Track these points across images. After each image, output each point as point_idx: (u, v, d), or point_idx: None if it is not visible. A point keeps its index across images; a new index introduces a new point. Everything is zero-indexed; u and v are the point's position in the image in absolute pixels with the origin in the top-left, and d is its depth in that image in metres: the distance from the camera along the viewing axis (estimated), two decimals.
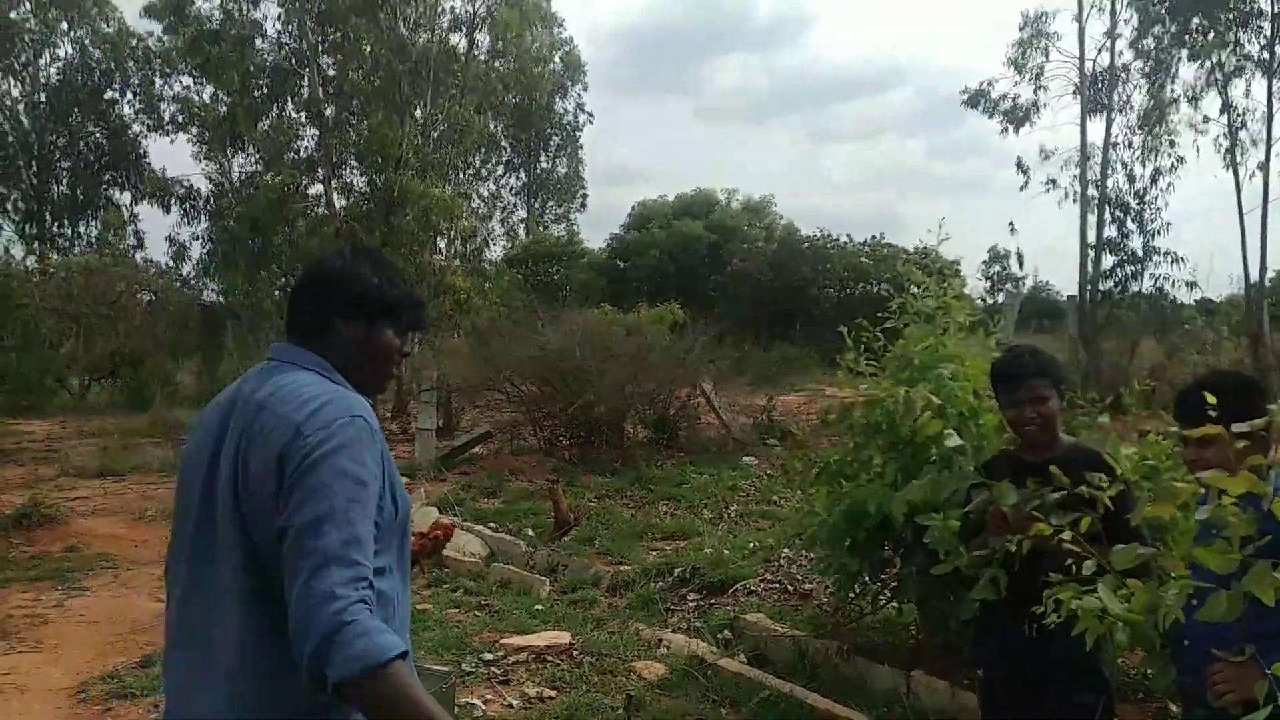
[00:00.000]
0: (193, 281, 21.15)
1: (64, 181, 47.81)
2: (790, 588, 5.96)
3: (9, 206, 47.64)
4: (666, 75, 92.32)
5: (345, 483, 1.59)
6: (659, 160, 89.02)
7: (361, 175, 17.40)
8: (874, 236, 32.88)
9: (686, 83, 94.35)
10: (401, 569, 1.78)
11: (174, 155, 65.36)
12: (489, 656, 5.10)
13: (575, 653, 5.20)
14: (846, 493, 4.49)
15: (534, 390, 11.66)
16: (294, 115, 17.09)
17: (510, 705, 4.56)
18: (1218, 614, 1.73)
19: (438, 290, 16.89)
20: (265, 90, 16.55)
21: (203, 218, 17.83)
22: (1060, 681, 2.69)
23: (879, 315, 5.39)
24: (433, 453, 10.85)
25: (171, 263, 19.87)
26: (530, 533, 8.11)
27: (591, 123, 48.98)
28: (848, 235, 32.58)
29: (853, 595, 5.00)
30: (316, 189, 17.47)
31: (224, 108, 16.85)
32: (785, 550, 6.72)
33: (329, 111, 17.06)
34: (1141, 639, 2.36)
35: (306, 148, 17.17)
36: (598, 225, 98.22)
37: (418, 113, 17.55)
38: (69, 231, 47.74)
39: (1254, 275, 18.50)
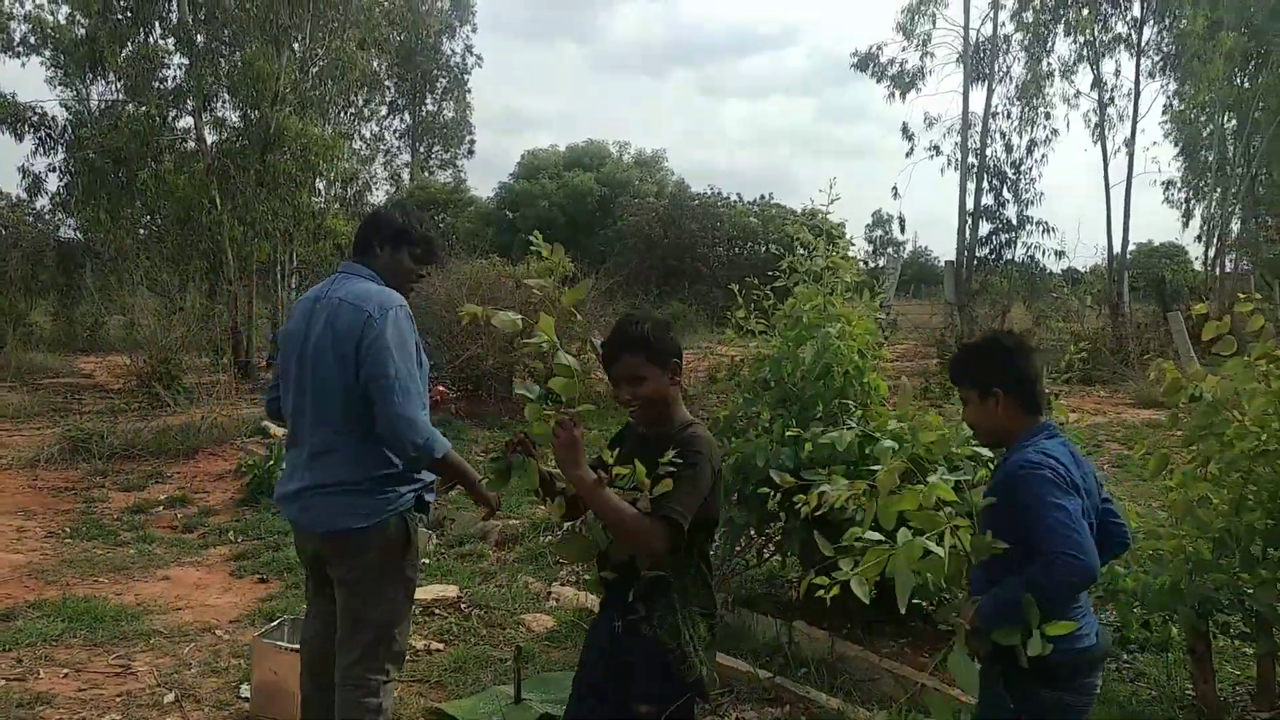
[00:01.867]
0: (48, 216, 19.75)
1: None
2: None
3: None
4: (562, 20, 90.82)
5: (397, 347, 2.79)
6: (551, 108, 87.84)
7: (235, 110, 16.48)
8: (763, 196, 33.36)
9: (583, 29, 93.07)
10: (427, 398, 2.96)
11: (25, 80, 60.75)
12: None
13: (463, 606, 5.17)
14: (735, 448, 4.57)
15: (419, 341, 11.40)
16: (161, 42, 15.97)
17: None
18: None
19: (317, 234, 16.28)
20: (129, 13, 15.40)
21: (59, 149, 16.52)
22: (629, 685, 2.39)
23: (768, 274, 5.49)
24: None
25: (24, 195, 18.43)
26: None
27: (480, 66, 47.86)
28: (738, 194, 32.93)
29: (738, 548, 5.11)
30: (186, 122, 16.45)
31: (82, 30, 15.63)
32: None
33: (200, 39, 16.04)
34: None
35: (175, 77, 16.10)
36: (487, 173, 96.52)
37: (296, 46, 16.72)
38: None
39: (1116, 247, 19.55)
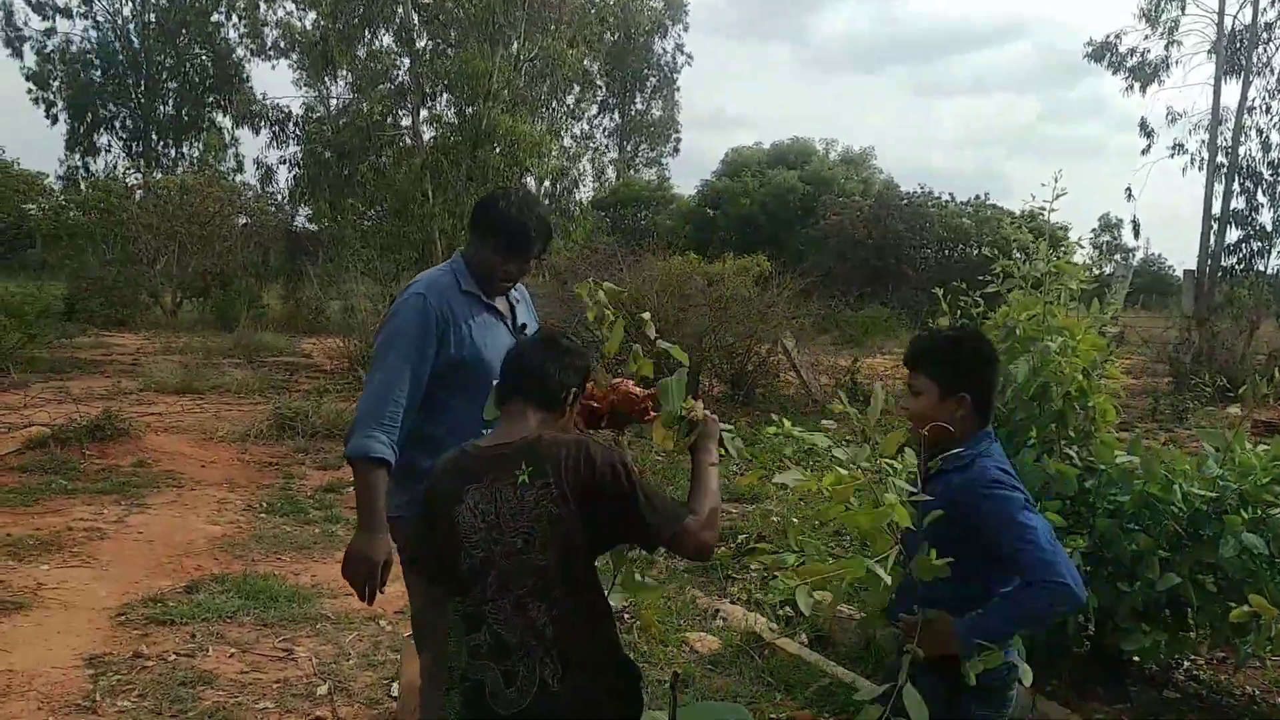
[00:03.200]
0: (286, 207, 21.36)
1: (169, 102, 49.29)
2: None
3: (117, 125, 49.37)
4: (773, 20, 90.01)
5: (386, 335, 2.71)
6: (758, 107, 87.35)
7: (451, 107, 17.17)
8: (977, 196, 31.58)
9: (794, 29, 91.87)
10: (468, 397, 2.62)
11: (275, 80, 66.03)
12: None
13: (626, 616, 4.92)
14: None
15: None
16: (387, 44, 16.85)
17: None
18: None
19: None
20: (359, 15, 16.32)
21: (290, 142, 17.78)
22: None
23: (979, 279, 4.91)
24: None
25: (258, 185, 20.06)
26: None
27: (690, 65, 48.24)
28: (949, 194, 31.32)
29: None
30: (405, 119, 17.30)
31: (319, 33, 16.72)
32: None
33: (422, 43, 16.81)
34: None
35: (399, 77, 16.95)
36: (691, 171, 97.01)
37: (514, 46, 17.18)
38: (173, 152, 49.35)
39: None
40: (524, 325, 2.96)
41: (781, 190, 34.52)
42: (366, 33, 16.52)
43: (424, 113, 17.10)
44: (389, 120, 17.17)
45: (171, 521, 6.40)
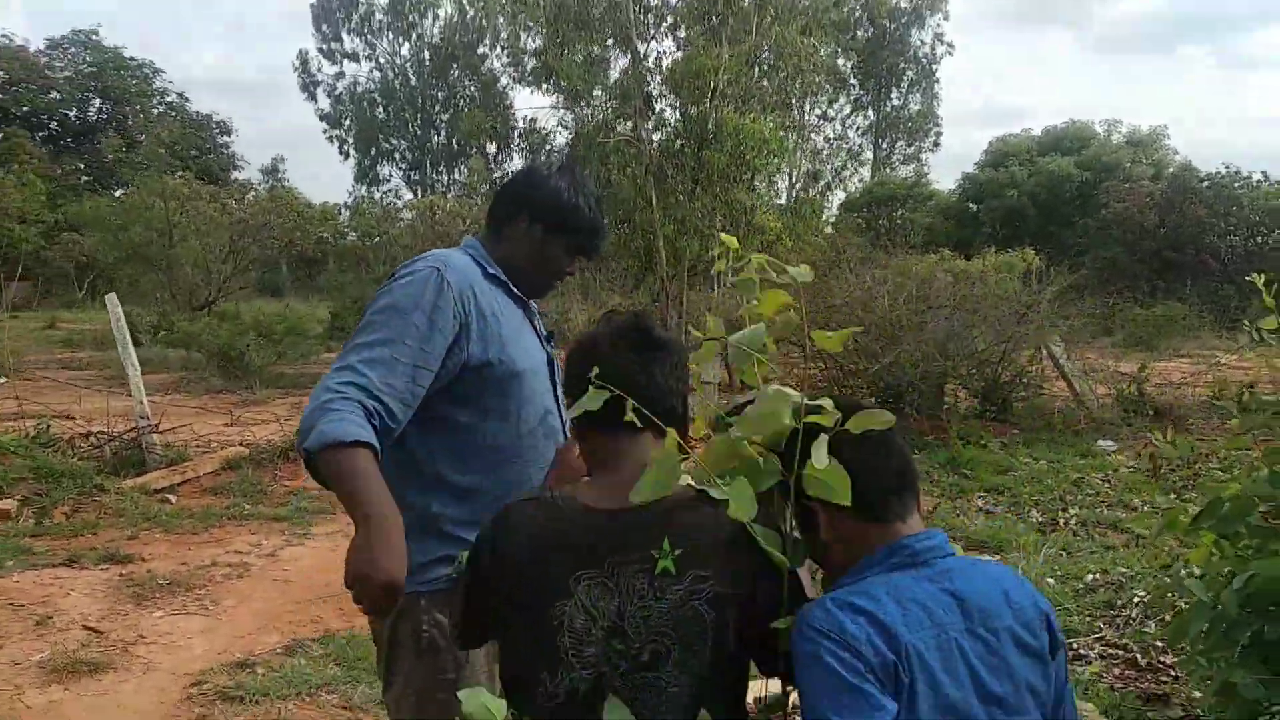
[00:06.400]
0: None
1: (442, 132, 52.83)
2: (1141, 660, 3.97)
3: (397, 156, 53.58)
4: (1053, 5, 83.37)
5: (383, 312, 1.84)
6: (1034, 96, 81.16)
7: (675, 109, 16.42)
8: None
9: (1077, 13, 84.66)
10: (500, 419, 1.94)
11: (539, 102, 69.12)
12: None
13: None
14: (1256, 557, 2.56)
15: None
16: (600, 50, 16.34)
17: None
18: None
19: (748, 231, 15.57)
20: (570, 18, 15.90)
21: (513, 155, 17.75)
22: None
23: None
24: (711, 410, 9.58)
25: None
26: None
27: (951, 55, 45.45)
28: (1262, 172, 26.82)
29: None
30: (632, 124, 16.73)
31: (541, 42, 16.56)
32: (1141, 593, 4.68)
33: (640, 45, 16.17)
34: None
35: (617, 79, 16.43)
36: (954, 166, 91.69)
37: (744, 41, 16.18)
38: (445, 179, 52.85)
39: None
40: (551, 335, 2.16)
41: (1054, 179, 31.16)
42: (584, 36, 16.10)
43: (649, 115, 16.40)
44: (615, 125, 16.66)
45: (325, 556, 5.88)
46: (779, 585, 1.41)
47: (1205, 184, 26.66)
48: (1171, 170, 30.69)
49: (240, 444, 8.69)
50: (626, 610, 1.39)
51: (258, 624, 4.70)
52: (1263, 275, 3.28)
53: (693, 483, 1.48)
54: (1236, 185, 26.22)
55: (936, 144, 45.07)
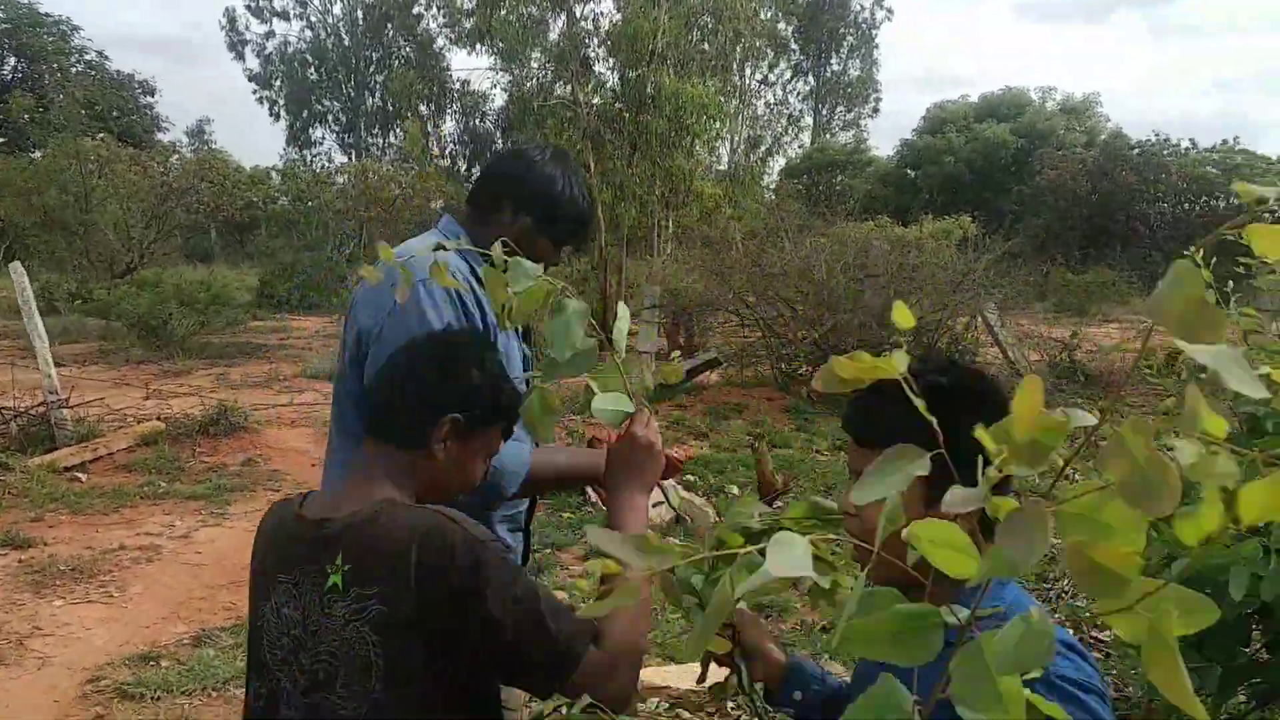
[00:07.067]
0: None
1: (376, 93, 51.50)
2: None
3: (330, 119, 52.17)
4: None
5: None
6: (972, 64, 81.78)
7: (614, 71, 16.09)
8: (1224, 142, 27.47)
9: None
10: None
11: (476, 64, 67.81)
12: None
13: (733, 709, 3.60)
14: (1188, 547, 2.50)
15: (773, 312, 9.91)
16: (537, 11, 15.89)
17: None
18: None
19: (685, 198, 15.39)
20: None
21: (447, 118, 17.29)
22: None
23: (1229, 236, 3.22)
24: (649, 380, 9.42)
25: (447, 163, 19.77)
26: (735, 491, 6.55)
27: (890, 20, 45.50)
28: (1190, 140, 27.37)
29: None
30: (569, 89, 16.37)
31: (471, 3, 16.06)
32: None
33: (584, 7, 15.80)
34: None
35: (557, 43, 16.03)
36: (893, 133, 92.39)
37: (685, 5, 15.87)
38: (381, 142, 51.60)
39: None
40: (528, 331, 2.06)
41: (990, 145, 31.47)
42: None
43: (586, 79, 16.04)
44: (552, 89, 16.28)
45: (242, 537, 5.62)
46: (494, 619, 1.27)
47: (1136, 151, 27.14)
48: (1104, 138, 31.20)
49: (158, 418, 8.32)
50: (307, 622, 1.33)
51: (165, 612, 4.46)
52: (1200, 249, 3.22)
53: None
54: (1165, 153, 26.73)
55: (876, 110, 45.25)
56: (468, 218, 1.97)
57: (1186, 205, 25.33)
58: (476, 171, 16.55)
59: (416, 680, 1.29)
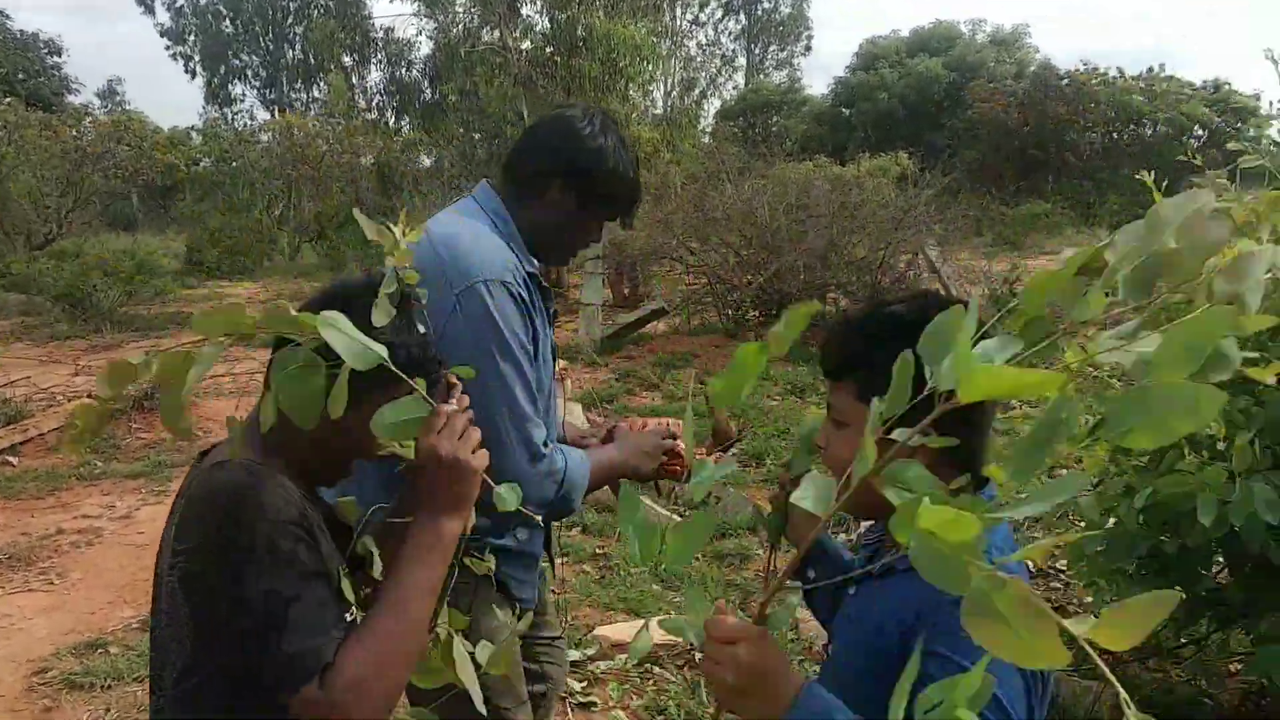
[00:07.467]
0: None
1: (297, 45, 49.73)
2: (1032, 569, 4.00)
3: (250, 73, 50.33)
4: None
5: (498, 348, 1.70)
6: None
7: (544, 14, 15.67)
8: (1151, 69, 27.84)
9: None
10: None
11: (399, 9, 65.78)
12: (574, 655, 3.56)
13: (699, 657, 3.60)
14: (1151, 470, 2.50)
15: (717, 258, 9.85)
16: None
17: None
18: None
19: None
20: None
21: (371, 68, 16.78)
22: None
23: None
24: (598, 332, 9.36)
25: (374, 116, 19.18)
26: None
27: None
28: (1118, 69, 27.67)
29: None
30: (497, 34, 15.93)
31: None
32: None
33: None
34: None
35: None
36: (825, 72, 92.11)
37: None
38: (304, 96, 49.95)
39: None
40: (556, 313, 2.00)
41: (923, 80, 31.54)
42: None
43: (515, 23, 15.62)
44: (480, 34, 15.83)
45: None
46: (197, 574, 1.20)
47: (1065, 82, 27.38)
48: (1033, 69, 31.42)
49: (89, 395, 8.01)
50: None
51: (110, 597, 4.31)
52: (1150, 173, 3.22)
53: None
54: (1094, 82, 27.01)
55: (808, 48, 44.94)
56: (506, 189, 1.82)
57: (1115, 134, 25.72)
58: (405, 124, 16.17)
59: (188, 642, 1.23)
